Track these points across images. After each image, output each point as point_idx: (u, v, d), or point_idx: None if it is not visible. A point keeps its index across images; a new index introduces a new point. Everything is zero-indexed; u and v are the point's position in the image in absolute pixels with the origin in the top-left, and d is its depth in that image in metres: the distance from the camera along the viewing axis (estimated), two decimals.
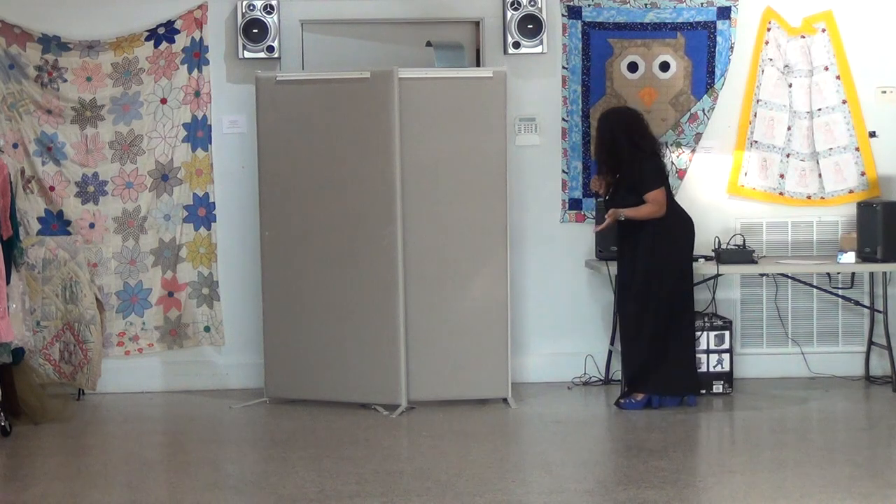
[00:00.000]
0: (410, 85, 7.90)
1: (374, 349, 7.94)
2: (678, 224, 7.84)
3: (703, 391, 8.14)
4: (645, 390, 7.85)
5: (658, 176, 7.77)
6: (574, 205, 8.76)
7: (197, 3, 8.59)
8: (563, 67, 8.70)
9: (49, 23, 8.50)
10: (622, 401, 7.91)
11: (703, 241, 8.31)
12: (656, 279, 7.77)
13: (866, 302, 8.71)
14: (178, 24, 8.56)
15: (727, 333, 8.28)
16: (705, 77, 8.73)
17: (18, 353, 7.66)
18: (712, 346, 8.26)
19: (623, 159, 7.76)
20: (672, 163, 8.60)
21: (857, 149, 8.74)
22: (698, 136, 8.66)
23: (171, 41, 8.55)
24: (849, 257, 8.34)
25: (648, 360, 7.81)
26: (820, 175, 8.75)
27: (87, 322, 8.23)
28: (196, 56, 8.58)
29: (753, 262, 8.31)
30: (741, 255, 8.29)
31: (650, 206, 7.72)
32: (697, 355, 8.06)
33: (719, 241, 8.43)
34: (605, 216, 7.84)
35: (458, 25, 8.85)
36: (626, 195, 7.76)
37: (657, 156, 7.86)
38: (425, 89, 7.94)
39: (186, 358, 8.69)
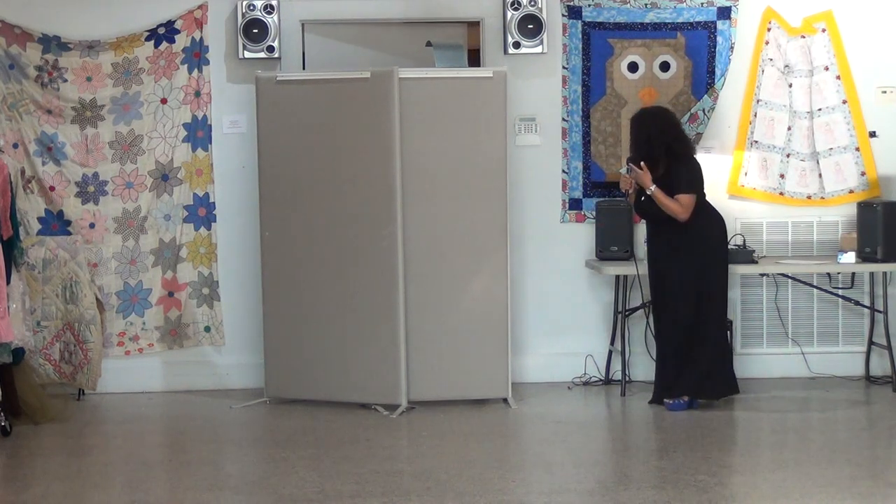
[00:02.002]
0: (410, 85, 7.89)
1: (374, 349, 7.94)
2: (717, 226, 7.84)
3: None
4: (707, 395, 7.82)
5: (693, 181, 7.73)
6: (574, 205, 8.76)
7: (197, 3, 8.59)
8: (564, 67, 8.70)
9: (49, 23, 8.50)
10: (669, 401, 7.79)
11: None
12: (713, 281, 7.77)
13: (866, 302, 8.71)
14: (178, 24, 8.56)
15: (727, 333, 8.27)
16: (705, 77, 8.73)
17: (18, 353, 7.66)
18: None
19: (658, 160, 7.75)
20: None
21: (858, 149, 8.73)
22: (698, 136, 8.64)
23: (172, 41, 8.55)
24: (849, 257, 8.34)
25: (716, 363, 7.80)
26: (820, 175, 8.75)
27: (87, 322, 8.22)
28: (196, 56, 8.58)
29: (753, 262, 8.30)
30: (741, 255, 8.27)
31: (678, 205, 7.67)
32: None
33: None
34: (634, 169, 7.70)
35: (458, 26, 8.86)
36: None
37: (692, 159, 7.84)
38: (425, 89, 7.94)
39: (186, 358, 8.69)
